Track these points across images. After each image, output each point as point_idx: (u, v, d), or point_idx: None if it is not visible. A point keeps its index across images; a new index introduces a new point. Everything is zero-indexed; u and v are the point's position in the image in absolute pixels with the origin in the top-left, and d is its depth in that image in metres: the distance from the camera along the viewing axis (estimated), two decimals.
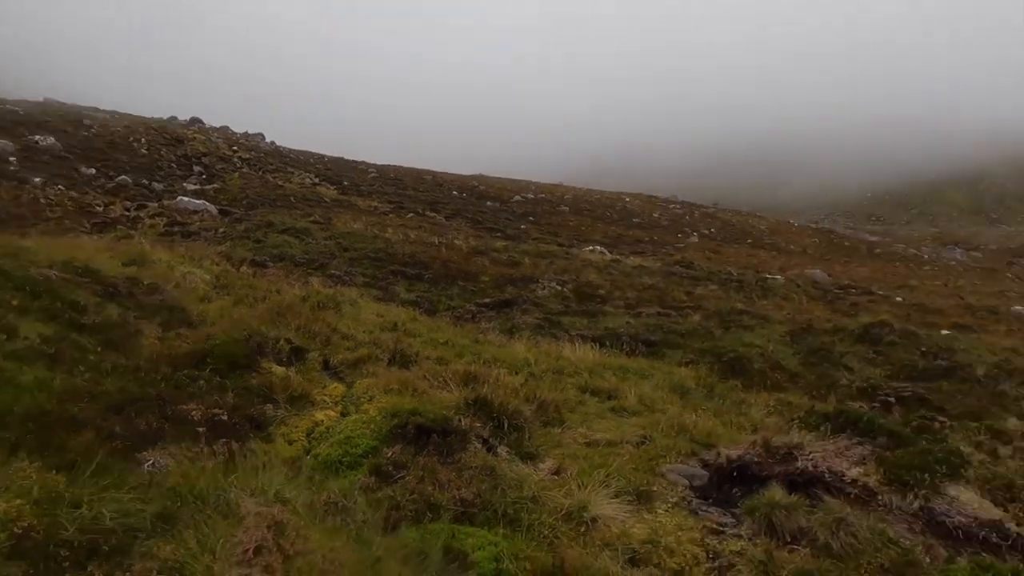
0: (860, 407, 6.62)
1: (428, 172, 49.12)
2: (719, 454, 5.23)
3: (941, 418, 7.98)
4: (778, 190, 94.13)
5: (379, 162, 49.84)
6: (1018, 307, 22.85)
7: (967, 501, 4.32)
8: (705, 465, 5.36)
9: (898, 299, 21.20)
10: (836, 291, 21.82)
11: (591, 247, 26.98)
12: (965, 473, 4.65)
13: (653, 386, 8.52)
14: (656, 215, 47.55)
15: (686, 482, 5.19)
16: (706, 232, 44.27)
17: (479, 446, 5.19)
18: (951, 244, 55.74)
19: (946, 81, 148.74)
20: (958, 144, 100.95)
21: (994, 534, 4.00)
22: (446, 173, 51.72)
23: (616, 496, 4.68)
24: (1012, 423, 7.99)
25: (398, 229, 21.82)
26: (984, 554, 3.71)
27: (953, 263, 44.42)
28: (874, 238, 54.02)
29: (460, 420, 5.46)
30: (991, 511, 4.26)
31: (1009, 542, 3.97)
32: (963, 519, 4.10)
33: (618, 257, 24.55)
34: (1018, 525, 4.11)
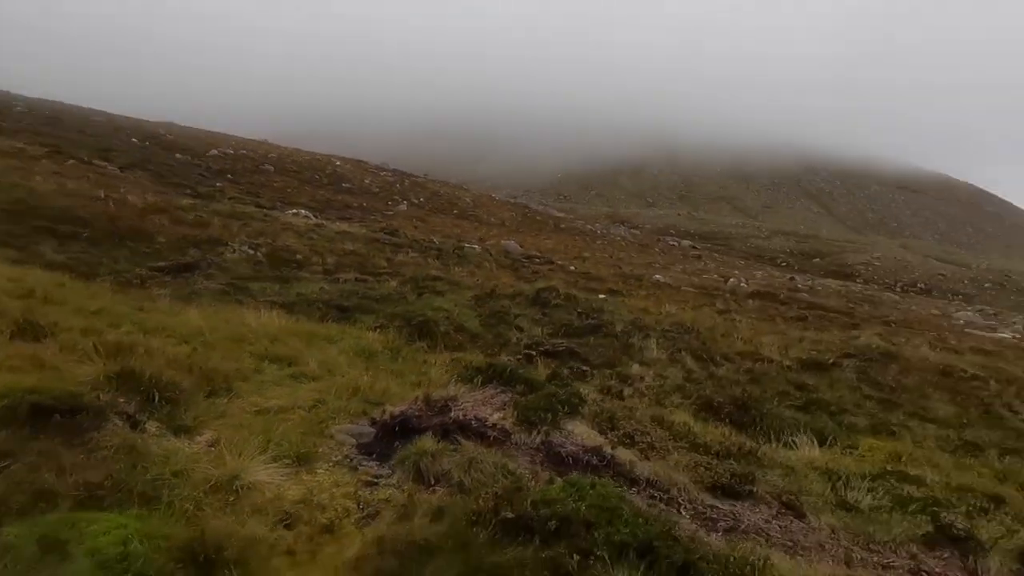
0: (508, 360, 7.50)
1: (100, 113, 41.90)
2: (384, 411, 5.48)
3: (584, 367, 9.44)
4: (481, 165, 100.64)
5: (30, 94, 40.95)
6: (658, 276, 27.97)
7: (579, 433, 5.21)
8: (373, 423, 5.57)
9: (572, 268, 24.36)
10: (523, 260, 24.23)
11: (295, 210, 25.83)
12: (582, 410, 5.59)
13: (339, 351, 8.57)
14: (367, 181, 47.30)
15: (353, 441, 5.35)
16: (416, 201, 45.42)
17: (120, 423, 4.67)
18: (619, 222, 65.70)
19: (621, 80, 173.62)
20: (628, 137, 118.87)
21: (595, 457, 4.88)
22: (125, 117, 44.66)
23: (275, 461, 4.63)
24: (635, 368, 9.83)
25: (51, 177, 18.24)
26: (583, 474, 4.49)
27: (619, 238, 52.40)
28: (560, 214, 61.02)
29: (98, 396, 4.85)
30: (596, 439, 5.20)
31: (605, 462, 4.89)
32: (573, 448, 4.93)
33: (323, 222, 23.89)
34: (612, 448, 5.08)
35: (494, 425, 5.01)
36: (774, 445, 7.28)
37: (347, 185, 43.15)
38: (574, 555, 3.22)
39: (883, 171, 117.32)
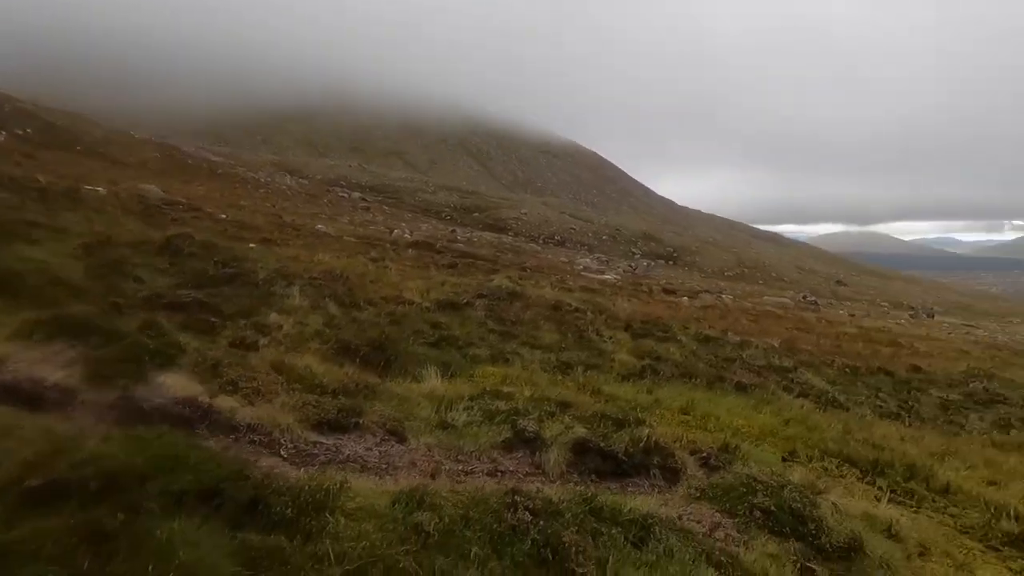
0: (84, 310, 6.52)
1: None
2: None
3: (215, 318, 8.71)
4: (121, 99, 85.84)
5: None
6: (321, 226, 27.39)
7: (172, 385, 4.74)
8: None
9: (223, 216, 22.36)
10: (164, 207, 21.41)
11: None
12: (180, 361, 5.10)
13: None
14: None
15: None
16: (21, 132, 36.75)
17: None
18: (286, 171, 62.30)
19: (295, 25, 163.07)
20: (295, 83, 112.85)
21: (187, 408, 4.49)
22: None
23: None
24: (273, 317, 9.42)
25: None
26: (170, 427, 4.08)
27: (285, 188, 49.83)
28: (218, 159, 55.43)
29: None
30: (193, 389, 4.79)
31: (200, 413, 4.53)
32: (161, 401, 4.46)
33: None
34: (212, 397, 4.74)
35: (55, 385, 4.25)
36: (404, 380, 7.68)
37: None
38: (119, 513, 2.88)
39: (529, 136, 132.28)
